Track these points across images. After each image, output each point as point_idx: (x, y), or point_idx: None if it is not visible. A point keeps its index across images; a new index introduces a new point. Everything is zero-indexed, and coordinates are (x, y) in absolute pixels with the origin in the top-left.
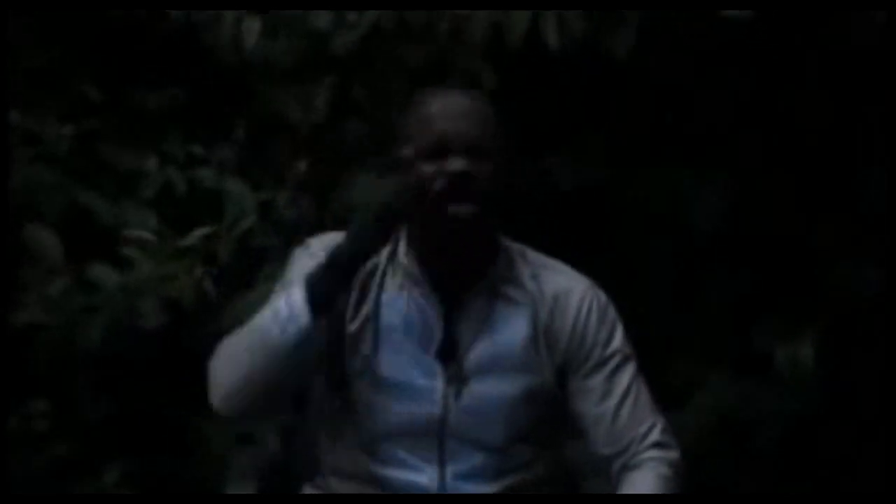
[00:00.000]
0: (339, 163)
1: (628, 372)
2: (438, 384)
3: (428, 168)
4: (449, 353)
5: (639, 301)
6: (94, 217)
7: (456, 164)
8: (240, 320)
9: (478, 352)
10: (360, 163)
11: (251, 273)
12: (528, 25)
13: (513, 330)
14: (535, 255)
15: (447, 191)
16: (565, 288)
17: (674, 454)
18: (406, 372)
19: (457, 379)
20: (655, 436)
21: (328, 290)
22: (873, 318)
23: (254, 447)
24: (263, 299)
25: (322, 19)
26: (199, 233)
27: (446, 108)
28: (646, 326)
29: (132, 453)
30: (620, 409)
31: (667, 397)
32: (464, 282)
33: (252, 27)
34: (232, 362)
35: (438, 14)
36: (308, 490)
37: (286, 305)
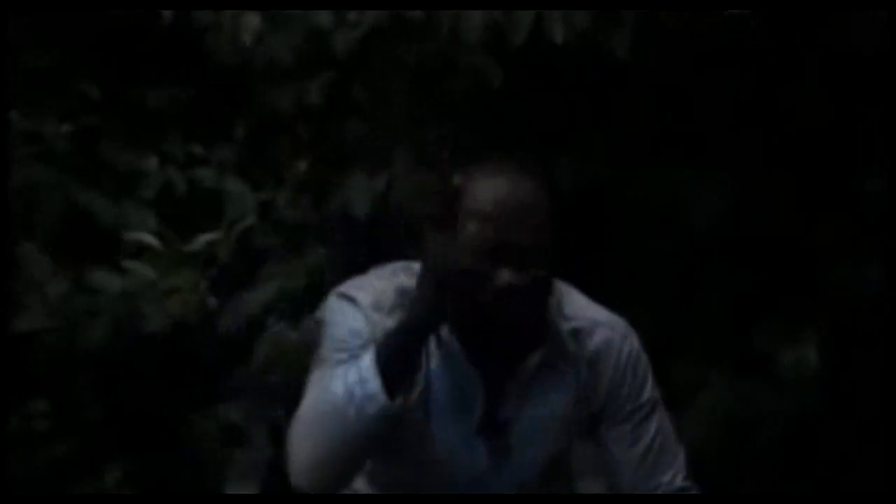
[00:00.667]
0: (339, 163)
1: (657, 418)
2: (482, 458)
3: (478, 263)
4: (493, 427)
5: (639, 301)
6: (94, 217)
7: (507, 277)
8: (240, 320)
9: (522, 424)
10: (360, 159)
11: (251, 273)
12: (532, 23)
13: (556, 399)
14: (570, 303)
15: (495, 303)
16: (605, 343)
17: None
18: (455, 446)
19: (500, 451)
20: (679, 482)
21: (402, 365)
22: (873, 318)
23: (254, 447)
24: (263, 299)
25: (322, 18)
26: (203, 238)
27: (505, 204)
28: (646, 326)
29: (132, 453)
30: (647, 456)
31: (667, 397)
32: (509, 358)
33: (250, 24)
34: (310, 441)
35: (440, 13)
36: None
37: (359, 385)
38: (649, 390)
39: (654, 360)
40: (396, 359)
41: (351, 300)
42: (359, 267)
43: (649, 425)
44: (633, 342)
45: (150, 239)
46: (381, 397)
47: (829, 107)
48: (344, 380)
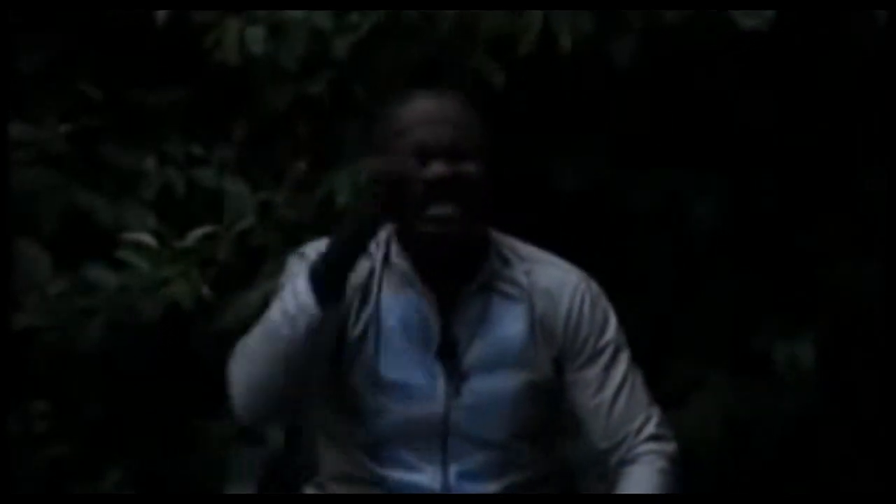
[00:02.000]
0: (339, 163)
1: (623, 362)
2: (439, 383)
3: (408, 162)
4: (448, 352)
5: (639, 301)
6: (93, 217)
7: (435, 169)
8: (240, 320)
9: (476, 349)
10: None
11: (251, 273)
12: (540, 27)
13: (509, 326)
14: (526, 249)
15: (427, 195)
16: (558, 281)
17: (671, 446)
18: (407, 373)
19: (457, 377)
20: (651, 428)
21: (335, 275)
22: (873, 318)
23: (254, 447)
24: (263, 300)
25: (323, 20)
26: (197, 233)
27: (423, 113)
28: (646, 326)
29: (132, 454)
30: (616, 400)
31: (667, 397)
32: (457, 280)
33: (256, 35)
34: (247, 366)
35: (441, 14)
36: (309, 491)
37: (293, 300)
38: (612, 332)
39: (654, 361)
40: (330, 269)
41: (300, 253)
42: None
43: (615, 369)
44: (592, 286)
45: (148, 239)
46: (314, 309)
47: (830, 107)
48: (280, 304)
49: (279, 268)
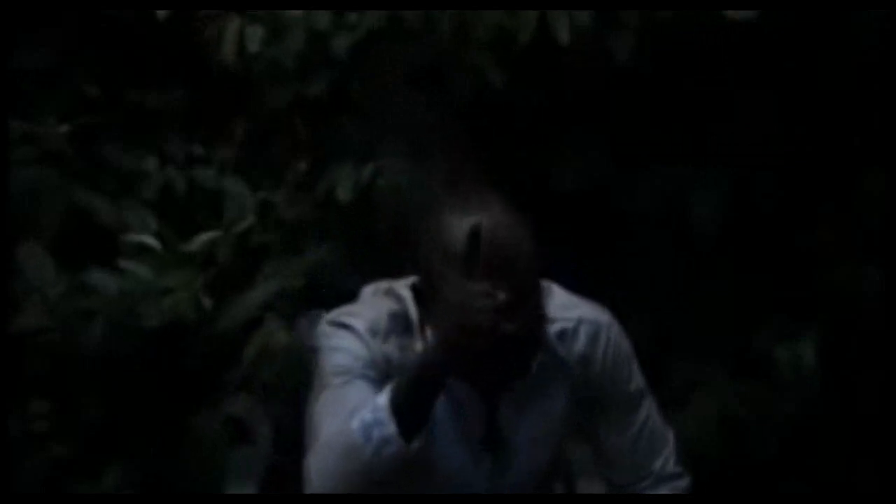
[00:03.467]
0: (339, 163)
1: (645, 406)
2: (484, 469)
3: (475, 295)
4: (494, 439)
5: (639, 301)
6: (94, 218)
7: (503, 296)
8: (239, 321)
9: (522, 434)
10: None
11: (251, 273)
12: (537, 23)
13: (552, 403)
14: (552, 304)
15: (495, 352)
16: (590, 340)
17: (684, 483)
18: (456, 463)
19: (503, 461)
20: (670, 468)
21: (416, 412)
22: (873, 319)
23: (254, 447)
24: (262, 299)
25: (322, 20)
26: (201, 238)
27: (493, 236)
28: (646, 326)
29: (132, 454)
30: (637, 441)
31: (667, 397)
32: (508, 381)
33: (255, 34)
34: (328, 474)
35: (441, 13)
36: None
37: (377, 427)
38: (636, 379)
39: (654, 360)
40: (410, 405)
41: (347, 327)
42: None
43: (639, 412)
44: (618, 333)
45: (150, 241)
46: (398, 440)
47: (830, 107)
48: (361, 418)
49: (279, 268)
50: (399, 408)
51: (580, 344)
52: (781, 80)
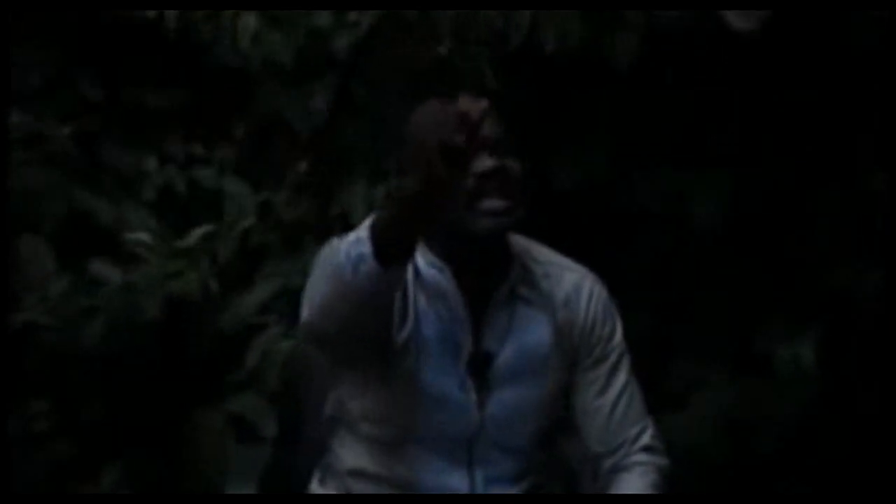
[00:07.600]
0: (339, 163)
1: (625, 368)
2: (471, 396)
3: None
4: (479, 364)
5: (639, 301)
6: (94, 218)
7: (485, 162)
8: (239, 320)
9: (505, 360)
10: (360, 163)
11: (251, 273)
12: (529, 28)
13: (535, 334)
14: (539, 251)
15: (478, 188)
16: (575, 286)
17: (663, 461)
18: (444, 385)
19: (487, 388)
20: (646, 439)
21: (395, 237)
22: (873, 318)
23: (254, 447)
24: (262, 299)
25: (322, 19)
26: (198, 232)
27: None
28: (646, 326)
29: (132, 453)
30: (617, 404)
31: (667, 397)
32: (488, 289)
33: (247, 25)
34: (318, 291)
35: (440, 14)
36: (317, 490)
37: (354, 246)
38: (619, 337)
39: (654, 360)
40: (388, 231)
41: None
42: None
43: (619, 373)
44: (603, 290)
45: (150, 241)
46: (372, 260)
47: (830, 107)
48: (346, 241)
49: (279, 268)
50: (376, 231)
51: (564, 287)
52: (782, 80)
